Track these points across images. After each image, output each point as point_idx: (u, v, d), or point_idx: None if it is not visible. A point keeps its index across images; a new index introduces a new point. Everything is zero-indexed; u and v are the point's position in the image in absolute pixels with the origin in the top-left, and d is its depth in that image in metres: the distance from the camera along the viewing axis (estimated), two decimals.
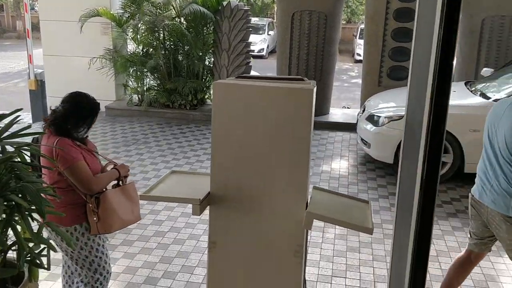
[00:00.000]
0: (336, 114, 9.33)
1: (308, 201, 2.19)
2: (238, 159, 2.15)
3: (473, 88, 6.52)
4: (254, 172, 2.14)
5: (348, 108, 10.35)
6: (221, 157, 2.16)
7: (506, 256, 4.34)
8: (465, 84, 6.91)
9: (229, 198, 2.17)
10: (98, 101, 2.97)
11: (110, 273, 3.07)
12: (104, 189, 2.91)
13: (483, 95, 6.14)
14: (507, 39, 8.05)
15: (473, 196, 3.27)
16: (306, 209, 2.09)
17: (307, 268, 4.10)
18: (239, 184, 2.15)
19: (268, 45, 22.29)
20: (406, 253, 1.67)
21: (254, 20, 24.42)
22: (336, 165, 6.84)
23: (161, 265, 4.15)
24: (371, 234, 2.08)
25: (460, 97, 6.47)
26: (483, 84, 6.56)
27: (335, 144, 7.82)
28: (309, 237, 4.66)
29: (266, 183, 2.13)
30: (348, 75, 18.29)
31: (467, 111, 6.04)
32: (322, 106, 9.00)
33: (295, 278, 2.14)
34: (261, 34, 22.79)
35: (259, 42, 22.12)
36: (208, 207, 2.21)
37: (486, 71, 7.15)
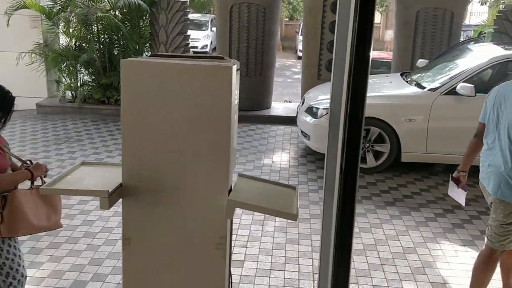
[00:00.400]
0: (278, 108, 9.28)
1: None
2: (151, 146, 1.96)
3: (409, 79, 6.63)
4: (170, 159, 1.95)
5: (290, 102, 10.35)
6: (132, 143, 1.96)
7: (443, 242, 4.42)
8: (401, 75, 7.03)
9: (143, 189, 1.97)
10: (15, 96, 2.68)
11: (26, 277, 2.80)
12: (14, 188, 2.64)
13: (418, 85, 6.24)
14: (441, 30, 8.26)
15: (480, 182, 3.29)
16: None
17: (246, 262, 4.00)
18: (154, 173, 1.96)
19: (211, 41, 22.03)
20: (329, 246, 1.56)
21: (197, 16, 24.12)
22: (277, 158, 6.78)
23: (91, 268, 3.90)
24: (295, 220, 1.96)
25: (396, 87, 6.57)
26: (418, 75, 6.69)
27: (276, 138, 7.76)
28: (248, 231, 4.55)
29: (183, 171, 1.95)
30: (291, 71, 18.46)
31: (403, 101, 6.12)
32: (264, 100, 8.93)
33: (218, 272, 1.98)
34: (204, 30, 22.56)
35: (202, 39, 21.86)
36: (120, 200, 2.01)
37: (421, 62, 7.31)
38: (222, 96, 1.86)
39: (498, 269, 3.37)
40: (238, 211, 4.92)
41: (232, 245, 4.30)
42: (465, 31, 15.68)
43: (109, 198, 1.87)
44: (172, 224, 1.98)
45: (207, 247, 1.96)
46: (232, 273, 3.83)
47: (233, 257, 4.08)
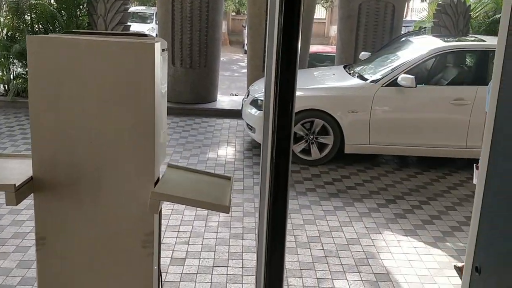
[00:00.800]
0: (224, 101, 9.14)
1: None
2: (65, 133, 1.75)
3: (352, 71, 6.65)
4: (86, 148, 1.75)
5: (236, 95, 10.22)
6: (42, 131, 1.74)
7: (386, 232, 4.44)
8: (344, 67, 7.05)
9: (57, 182, 1.77)
10: None
11: None
12: None
13: (361, 77, 6.27)
14: (383, 23, 8.37)
15: None
16: None
17: (187, 260, 3.84)
18: (69, 164, 1.76)
19: (156, 35, 21.49)
20: (262, 239, 1.45)
21: (141, 8, 23.49)
22: (223, 152, 6.64)
23: (18, 271, 3.62)
24: (228, 213, 1.83)
25: (339, 80, 6.58)
26: (361, 67, 6.72)
27: (222, 131, 7.61)
28: (190, 227, 4.39)
29: (102, 161, 1.76)
30: (238, 65, 18.36)
31: (346, 93, 6.12)
32: (209, 93, 8.76)
33: (145, 272, 1.81)
34: (149, 23, 22.00)
35: (147, 32, 21.32)
36: (32, 195, 1.80)
37: (363, 54, 7.36)
38: (144, 76, 1.68)
39: None
40: (180, 206, 4.77)
41: (174, 242, 4.15)
42: (406, 26, 16.08)
43: (16, 193, 1.66)
44: (91, 221, 1.79)
45: (132, 245, 1.79)
46: (172, 272, 3.69)
47: (174, 254, 3.92)
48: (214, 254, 3.96)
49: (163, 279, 2.15)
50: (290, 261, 3.87)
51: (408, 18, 22.28)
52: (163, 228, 4.29)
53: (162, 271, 3.67)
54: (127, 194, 1.76)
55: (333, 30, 26.19)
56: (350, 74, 6.58)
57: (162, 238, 4.13)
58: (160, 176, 1.90)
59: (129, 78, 1.68)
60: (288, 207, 1.53)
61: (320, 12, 27.07)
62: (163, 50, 1.81)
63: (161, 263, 3.78)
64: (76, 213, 1.79)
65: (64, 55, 1.69)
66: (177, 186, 1.84)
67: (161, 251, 3.95)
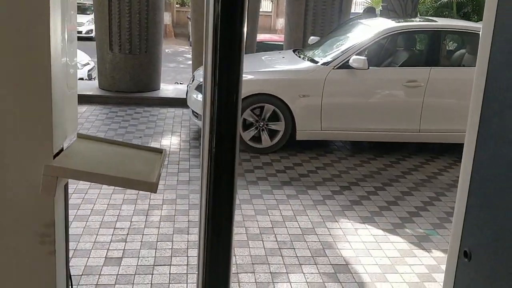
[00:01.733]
0: (168, 89, 8.64)
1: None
2: None
3: (302, 55, 6.37)
4: None
5: (181, 83, 9.75)
6: None
7: (342, 220, 4.17)
8: (293, 51, 6.77)
9: None
10: None
11: None
12: None
13: (312, 60, 5.99)
14: (331, 7, 8.13)
15: None
16: None
17: (124, 259, 3.40)
18: None
19: None
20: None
21: None
22: (167, 142, 6.19)
23: None
24: (155, 192, 1.41)
25: (289, 63, 6.29)
26: (311, 50, 6.46)
27: (166, 120, 7.14)
28: (128, 223, 3.92)
29: None
30: (184, 57, 18.00)
31: (297, 76, 5.82)
32: (152, 81, 8.22)
33: (45, 275, 1.35)
34: (88, 14, 21.15)
35: (86, 23, 20.51)
36: None
37: (312, 39, 7.12)
38: (34, 9, 1.21)
39: None
40: (117, 201, 4.28)
41: (109, 240, 3.68)
42: (351, 18, 16.11)
43: None
44: None
45: (26, 241, 1.32)
46: (106, 273, 3.22)
47: (109, 254, 3.46)
48: (155, 251, 3.54)
49: (72, 283, 1.70)
50: (241, 255, 3.50)
51: (352, 11, 22.46)
52: (96, 225, 3.82)
53: (94, 272, 3.22)
54: (15, 172, 1.29)
55: (280, 23, 26.04)
56: (300, 57, 6.28)
57: (95, 236, 3.66)
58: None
59: (12, 13, 1.22)
60: (235, 199, 1.19)
61: (266, 5, 26.87)
62: None
63: (94, 264, 3.33)
64: None
65: None
66: (85, 159, 1.39)
67: (93, 251, 3.49)
